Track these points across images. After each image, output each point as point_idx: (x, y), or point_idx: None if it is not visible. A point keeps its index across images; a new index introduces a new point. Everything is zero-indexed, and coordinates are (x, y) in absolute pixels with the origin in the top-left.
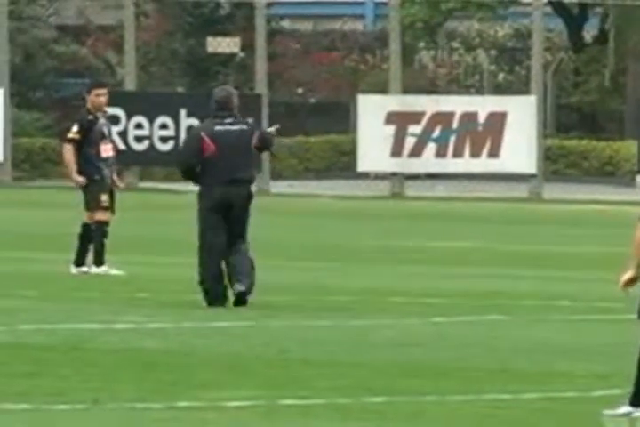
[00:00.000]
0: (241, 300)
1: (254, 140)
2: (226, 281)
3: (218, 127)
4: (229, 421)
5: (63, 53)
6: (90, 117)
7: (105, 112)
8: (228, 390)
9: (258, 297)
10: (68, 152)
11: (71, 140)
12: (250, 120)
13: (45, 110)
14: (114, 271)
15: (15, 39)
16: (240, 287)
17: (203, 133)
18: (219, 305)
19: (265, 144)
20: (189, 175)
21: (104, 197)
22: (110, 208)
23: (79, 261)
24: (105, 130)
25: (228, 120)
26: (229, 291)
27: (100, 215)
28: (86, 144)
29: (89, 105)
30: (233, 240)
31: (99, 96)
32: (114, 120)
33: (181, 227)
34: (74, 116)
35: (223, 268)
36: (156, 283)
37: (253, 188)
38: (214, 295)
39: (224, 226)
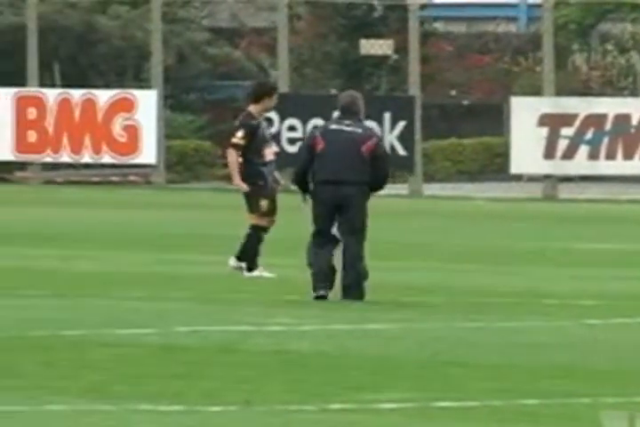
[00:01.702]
0: (346, 293)
1: (364, 147)
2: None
3: (333, 126)
4: (383, 423)
5: (216, 56)
6: (254, 122)
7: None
8: (382, 392)
9: (411, 298)
10: (232, 157)
11: (236, 146)
12: (371, 127)
13: (198, 112)
14: (266, 274)
15: (169, 41)
16: (344, 281)
17: (317, 132)
18: (321, 292)
19: (374, 157)
20: (299, 179)
21: (263, 203)
22: (270, 214)
23: (239, 255)
24: (267, 133)
25: (347, 121)
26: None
27: (259, 220)
28: (251, 149)
29: (258, 107)
30: (344, 237)
31: (273, 100)
32: (269, 122)
33: None
34: (226, 118)
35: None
36: (306, 285)
37: (392, 190)
38: (315, 281)
39: (334, 216)
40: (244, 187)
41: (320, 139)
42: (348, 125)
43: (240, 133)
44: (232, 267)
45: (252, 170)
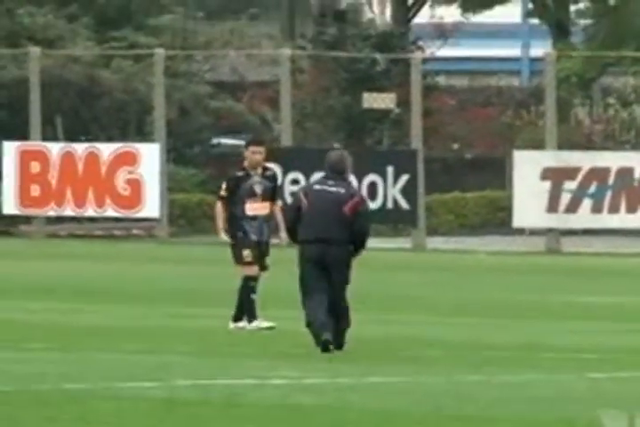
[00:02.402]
0: (326, 348)
1: (347, 206)
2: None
3: (316, 186)
4: None
5: (219, 109)
6: (240, 174)
7: (266, 170)
8: None
9: (413, 352)
10: (217, 209)
11: (220, 198)
12: (353, 187)
13: (201, 166)
14: (265, 324)
15: (171, 95)
16: (325, 336)
17: (302, 191)
18: (326, 349)
19: (355, 214)
20: (291, 233)
21: (246, 253)
22: (256, 263)
23: (237, 317)
24: (257, 188)
25: (331, 182)
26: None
27: (246, 270)
28: (233, 201)
29: (245, 162)
30: (330, 293)
31: (254, 153)
32: (271, 178)
33: None
34: (229, 173)
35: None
36: (310, 338)
37: (395, 244)
38: (317, 339)
39: (322, 274)
40: (223, 238)
41: (304, 199)
42: (331, 186)
43: (223, 185)
44: (234, 329)
45: (233, 222)
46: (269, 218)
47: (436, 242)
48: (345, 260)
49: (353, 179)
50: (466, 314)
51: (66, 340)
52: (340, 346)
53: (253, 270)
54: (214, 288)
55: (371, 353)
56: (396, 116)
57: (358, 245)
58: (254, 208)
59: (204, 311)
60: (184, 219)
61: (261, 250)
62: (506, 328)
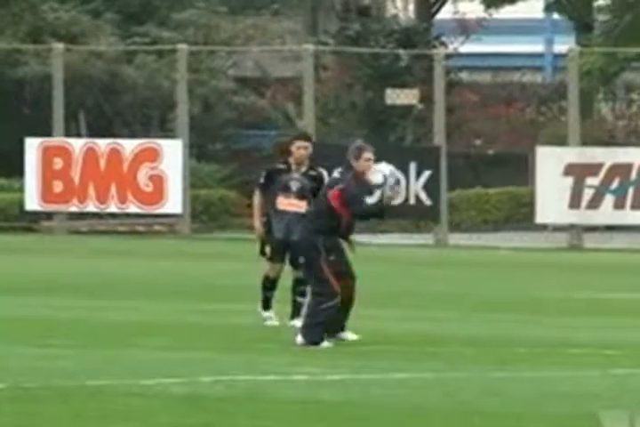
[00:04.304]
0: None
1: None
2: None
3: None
4: None
5: (242, 105)
6: (281, 166)
7: (311, 169)
8: None
9: (437, 348)
10: (255, 198)
11: (259, 186)
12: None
13: (224, 162)
14: (270, 322)
15: (194, 91)
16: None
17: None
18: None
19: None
20: (381, 211)
21: (267, 250)
22: (277, 262)
23: (292, 314)
24: (293, 184)
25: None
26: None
27: (268, 268)
28: (268, 194)
29: (290, 157)
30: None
31: (300, 149)
32: (315, 179)
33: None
34: (252, 168)
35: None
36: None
37: (417, 240)
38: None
39: None
40: (257, 227)
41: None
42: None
43: (263, 173)
44: (292, 327)
45: (267, 215)
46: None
47: (458, 238)
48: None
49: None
50: (489, 310)
51: (90, 336)
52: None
53: (272, 269)
54: (237, 284)
55: (394, 349)
56: (418, 113)
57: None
58: (285, 204)
59: (227, 307)
60: (206, 215)
61: (286, 249)
62: (529, 324)
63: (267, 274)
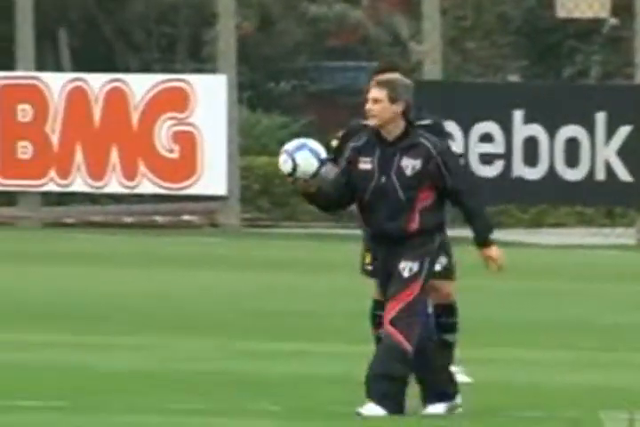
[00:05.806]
0: None
1: None
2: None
3: None
4: None
5: (323, 19)
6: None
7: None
8: None
9: None
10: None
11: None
12: None
13: (294, 111)
14: None
15: None
16: None
17: None
18: None
19: None
20: None
21: (367, 259)
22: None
23: None
24: None
25: None
26: None
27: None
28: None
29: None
30: None
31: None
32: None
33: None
34: (340, 120)
35: None
36: None
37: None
38: None
39: None
40: None
41: None
42: None
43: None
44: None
45: None
46: None
47: None
48: None
49: None
50: None
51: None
52: None
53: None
54: (311, 310)
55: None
56: (611, 31)
57: None
58: None
59: (293, 347)
60: (265, 197)
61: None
62: None
63: (374, 297)
